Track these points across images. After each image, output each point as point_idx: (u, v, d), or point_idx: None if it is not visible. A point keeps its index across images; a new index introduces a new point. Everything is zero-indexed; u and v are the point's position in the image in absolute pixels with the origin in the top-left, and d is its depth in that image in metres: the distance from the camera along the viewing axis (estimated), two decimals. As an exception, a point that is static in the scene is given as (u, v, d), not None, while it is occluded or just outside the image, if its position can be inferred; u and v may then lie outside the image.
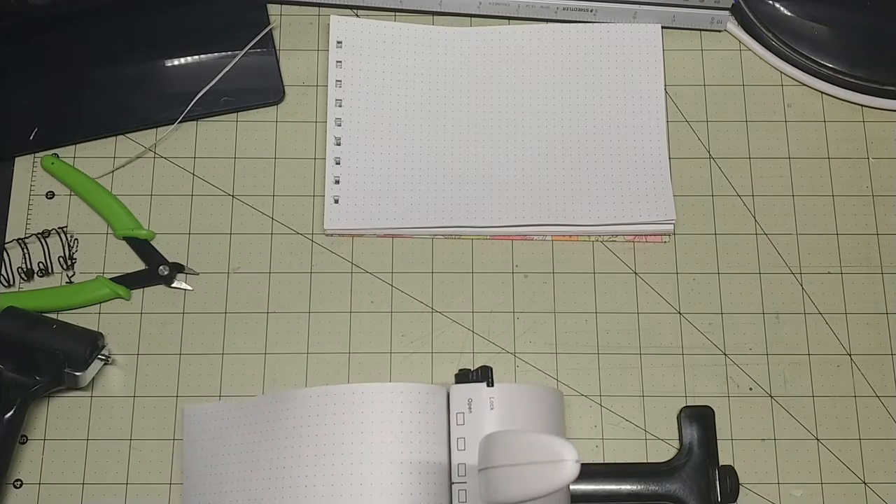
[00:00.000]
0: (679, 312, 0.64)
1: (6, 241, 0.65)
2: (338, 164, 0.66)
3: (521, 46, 0.69)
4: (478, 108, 0.68)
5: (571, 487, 0.57)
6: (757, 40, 0.70)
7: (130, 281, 0.64)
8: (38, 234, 0.65)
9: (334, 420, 0.51)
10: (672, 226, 0.66)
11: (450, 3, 0.69)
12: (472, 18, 0.71)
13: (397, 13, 0.70)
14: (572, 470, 0.41)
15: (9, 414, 0.58)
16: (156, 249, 0.65)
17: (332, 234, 0.66)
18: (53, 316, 0.63)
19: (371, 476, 0.49)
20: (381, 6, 0.70)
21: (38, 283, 0.64)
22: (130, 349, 0.63)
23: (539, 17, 0.70)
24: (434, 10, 0.70)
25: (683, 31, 0.71)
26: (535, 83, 0.69)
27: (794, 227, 0.66)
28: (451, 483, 0.50)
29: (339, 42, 0.69)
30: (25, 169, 0.67)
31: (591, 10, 0.69)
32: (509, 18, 0.71)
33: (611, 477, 0.59)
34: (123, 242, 0.65)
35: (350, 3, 0.70)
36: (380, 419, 0.50)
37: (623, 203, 0.66)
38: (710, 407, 0.62)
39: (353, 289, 0.64)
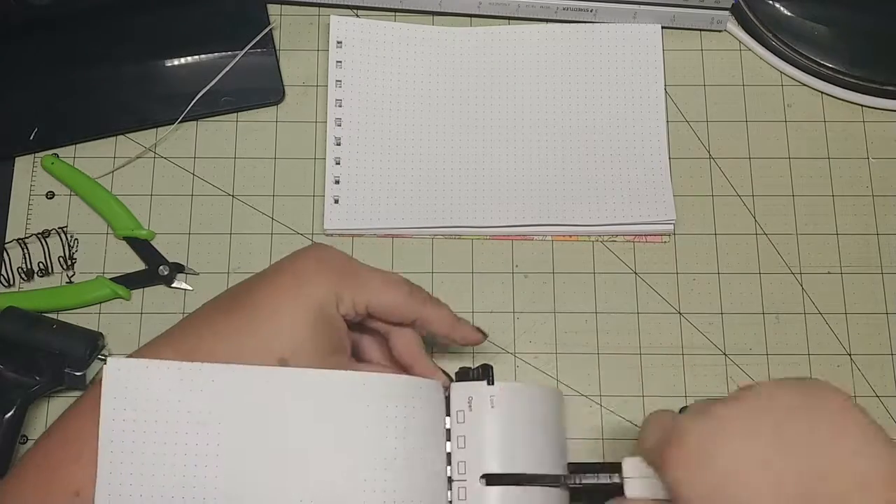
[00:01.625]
0: (679, 312, 0.64)
1: (6, 241, 0.65)
2: (338, 164, 0.66)
3: (521, 46, 0.69)
4: (478, 108, 0.68)
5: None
6: (757, 40, 0.70)
7: (130, 281, 0.64)
8: (38, 234, 0.65)
9: (326, 408, 0.48)
10: (672, 226, 0.66)
11: (450, 3, 0.69)
12: (472, 18, 0.71)
13: (397, 13, 0.70)
14: None
15: (9, 414, 0.58)
16: (156, 249, 0.65)
17: (332, 234, 0.66)
18: (53, 316, 0.63)
19: (367, 472, 0.48)
20: (381, 6, 0.70)
21: (38, 283, 0.64)
22: (130, 349, 0.62)
23: (539, 17, 0.70)
24: (434, 10, 0.70)
25: (683, 31, 0.71)
26: (535, 83, 0.69)
27: (794, 227, 0.66)
28: (450, 481, 0.50)
29: (339, 42, 0.69)
30: (25, 169, 0.67)
31: (591, 10, 0.69)
32: (509, 18, 0.71)
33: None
34: (123, 242, 0.65)
35: (350, 3, 0.70)
36: (376, 414, 0.49)
37: (623, 203, 0.66)
38: (710, 407, 0.62)
39: (353, 289, 0.64)
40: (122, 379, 0.46)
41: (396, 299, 0.52)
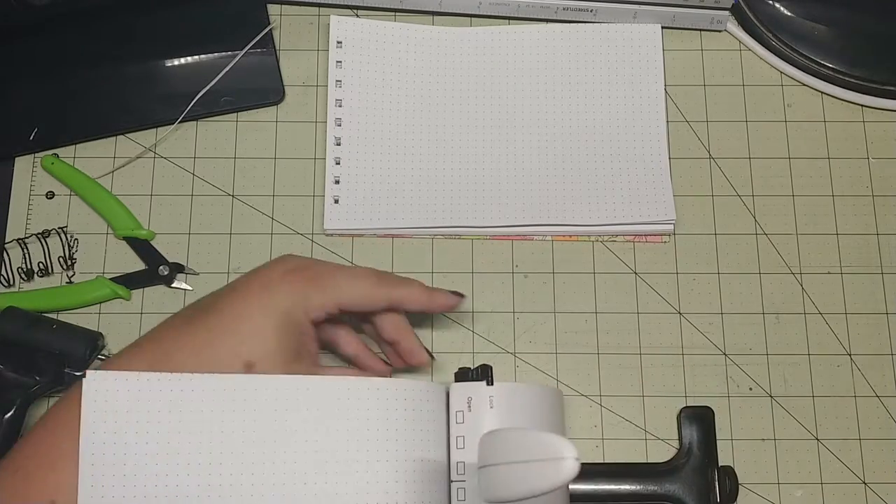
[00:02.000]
0: (679, 312, 0.64)
1: (6, 241, 0.65)
2: (338, 164, 0.66)
3: (521, 46, 0.69)
4: (478, 108, 0.68)
5: (571, 487, 0.57)
6: (757, 40, 0.70)
7: (130, 281, 0.64)
8: (38, 234, 0.65)
9: (325, 414, 0.49)
10: (672, 226, 0.66)
11: (450, 3, 0.69)
12: (472, 18, 0.71)
13: (397, 13, 0.70)
14: (572, 468, 0.41)
15: (9, 414, 0.58)
16: (156, 249, 0.65)
17: (332, 234, 0.66)
18: (53, 316, 0.63)
19: (367, 473, 0.48)
20: (381, 6, 0.70)
21: (38, 283, 0.65)
22: (130, 349, 0.63)
23: (539, 17, 0.70)
24: (434, 10, 0.70)
25: (683, 31, 0.71)
26: (535, 83, 0.69)
27: (794, 227, 0.66)
28: (450, 481, 0.50)
29: (339, 42, 0.69)
30: (25, 169, 0.67)
31: (591, 10, 0.69)
32: (509, 18, 0.71)
33: (611, 477, 0.59)
34: (123, 242, 0.65)
35: (350, 3, 0.70)
36: (377, 415, 0.49)
37: (623, 203, 0.66)
38: (709, 408, 0.62)
39: (352, 289, 0.64)
40: (101, 391, 0.46)
41: (364, 291, 0.53)
